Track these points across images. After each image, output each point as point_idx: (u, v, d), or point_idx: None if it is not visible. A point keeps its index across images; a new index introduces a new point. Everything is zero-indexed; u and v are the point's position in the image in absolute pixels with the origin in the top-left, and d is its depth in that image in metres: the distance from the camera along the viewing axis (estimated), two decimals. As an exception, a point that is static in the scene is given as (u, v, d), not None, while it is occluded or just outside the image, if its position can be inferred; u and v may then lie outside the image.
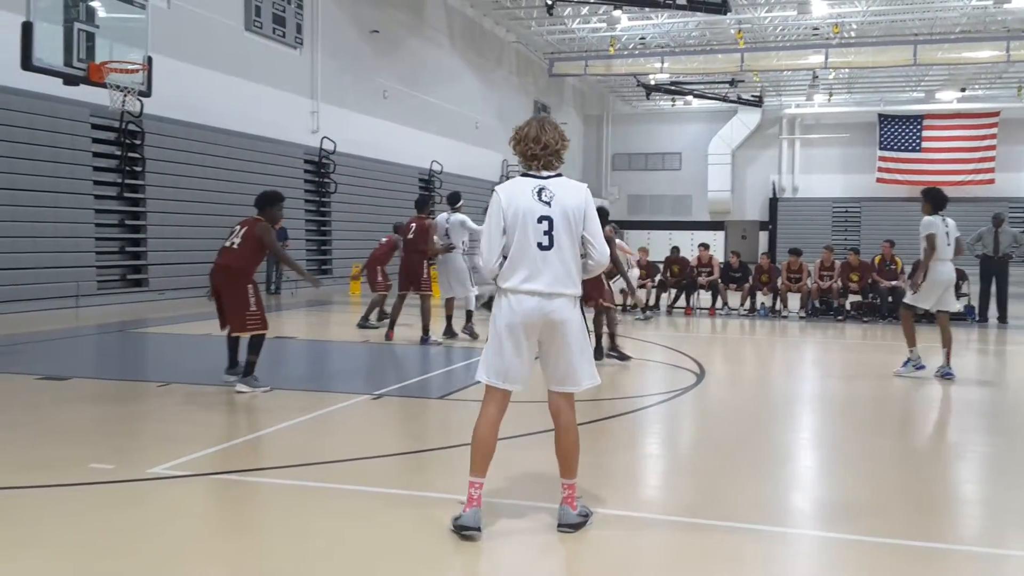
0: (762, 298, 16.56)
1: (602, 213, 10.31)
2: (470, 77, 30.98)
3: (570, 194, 4.07)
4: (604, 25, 30.37)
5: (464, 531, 3.95)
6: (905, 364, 9.12)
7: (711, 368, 9.65)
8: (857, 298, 15.95)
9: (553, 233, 3.99)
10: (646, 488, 5.35)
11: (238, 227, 7.74)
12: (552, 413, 4.22)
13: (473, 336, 11.50)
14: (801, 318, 15.78)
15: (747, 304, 16.41)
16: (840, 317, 15.61)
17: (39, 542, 3.90)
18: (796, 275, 16.20)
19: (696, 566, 3.87)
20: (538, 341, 4.13)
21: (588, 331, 4.23)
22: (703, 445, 6.41)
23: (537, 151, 4.10)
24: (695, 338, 13.01)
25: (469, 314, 11.88)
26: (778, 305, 16.24)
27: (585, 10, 29.40)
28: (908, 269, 12.86)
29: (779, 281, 16.22)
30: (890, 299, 15.15)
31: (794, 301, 16.28)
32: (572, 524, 4.11)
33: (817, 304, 15.98)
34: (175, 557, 3.79)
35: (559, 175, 4.15)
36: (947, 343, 8.98)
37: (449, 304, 11.76)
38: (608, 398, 8.02)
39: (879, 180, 40.21)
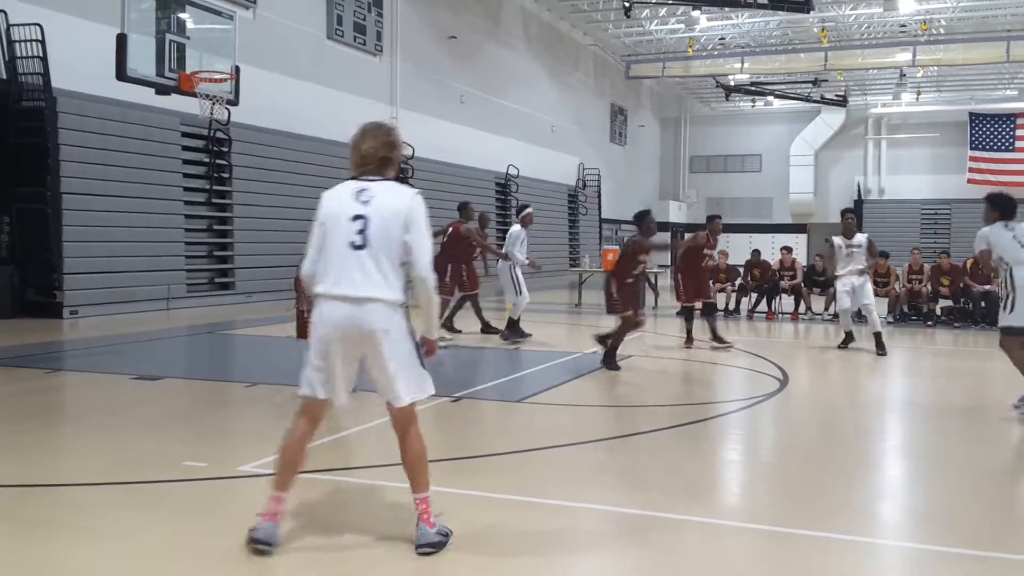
0: (847, 303, 16.11)
1: (639, 216, 10.26)
2: (546, 81, 31.01)
3: (392, 196, 3.80)
4: (682, 26, 30.07)
5: (256, 545, 3.79)
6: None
7: (794, 374, 9.44)
8: (948, 303, 15.41)
9: (368, 232, 3.72)
10: (730, 495, 5.26)
11: None
12: (392, 419, 3.95)
13: (523, 336, 11.61)
14: (889, 323, 15.31)
15: (832, 309, 15.99)
16: (930, 323, 15.10)
17: (140, 536, 4.04)
18: (884, 279, 15.74)
19: (784, 574, 3.79)
20: (354, 349, 3.81)
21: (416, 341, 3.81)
22: (788, 452, 6.28)
23: (357, 159, 3.89)
24: (777, 343, 12.75)
25: (511, 321, 11.76)
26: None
27: (663, 11, 29.14)
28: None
29: (865, 285, 15.75)
30: (983, 304, 14.59)
31: (881, 306, 15.78)
32: (431, 543, 3.81)
33: (906, 309, 15.50)
34: (269, 554, 3.88)
35: (387, 180, 3.90)
36: None
37: (473, 300, 12.07)
38: (690, 403, 7.92)
39: (970, 181, 38.71)
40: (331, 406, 3.95)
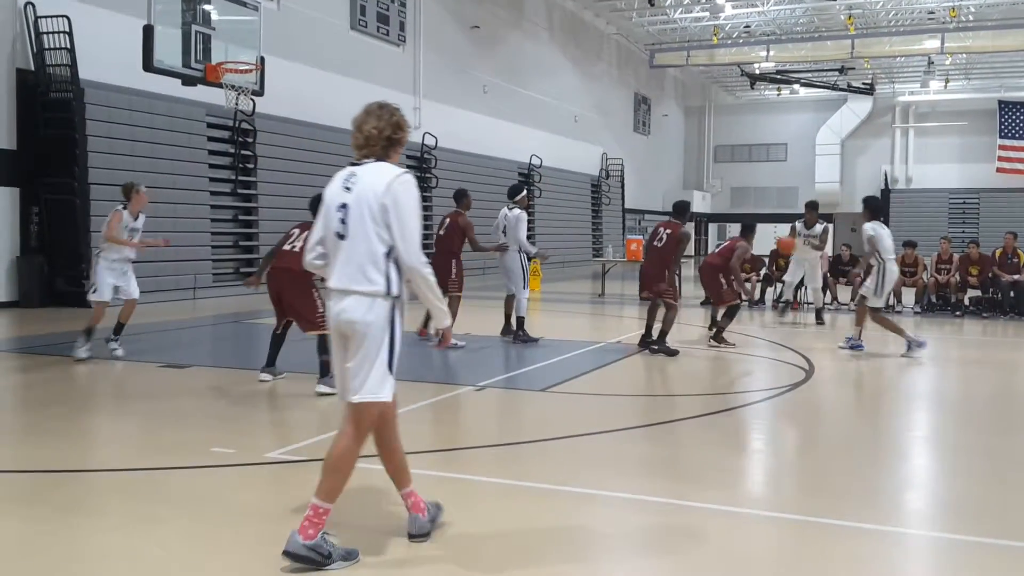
0: (874, 292, 15.98)
1: (682, 207, 10.25)
2: (569, 70, 30.91)
3: (372, 180, 3.58)
4: (707, 14, 29.84)
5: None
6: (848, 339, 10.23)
7: (820, 364, 9.38)
8: (977, 293, 15.22)
9: (348, 222, 3.57)
10: (755, 484, 5.24)
11: (296, 230, 7.70)
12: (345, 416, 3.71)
13: (532, 340, 10.47)
14: (916, 313, 15.16)
15: (857, 298, 15.86)
16: (958, 313, 14.93)
17: (168, 521, 4.09)
18: (911, 268, 15.57)
19: (814, 565, 3.77)
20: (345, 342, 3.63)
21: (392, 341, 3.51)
22: (813, 442, 6.24)
23: (360, 140, 3.71)
24: (803, 333, 12.66)
25: (519, 320, 10.46)
26: (891, 300, 15.64)
27: (687, -1, 28.96)
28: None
29: (892, 275, 15.62)
30: (1012, 294, 14.41)
31: (909, 296, 15.66)
32: (421, 534, 3.81)
33: (934, 299, 15.33)
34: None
35: (378, 162, 3.68)
36: None
37: (508, 303, 10.66)
38: (715, 393, 7.89)
39: (999, 170, 38.18)
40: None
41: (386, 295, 3.54)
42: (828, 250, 13.89)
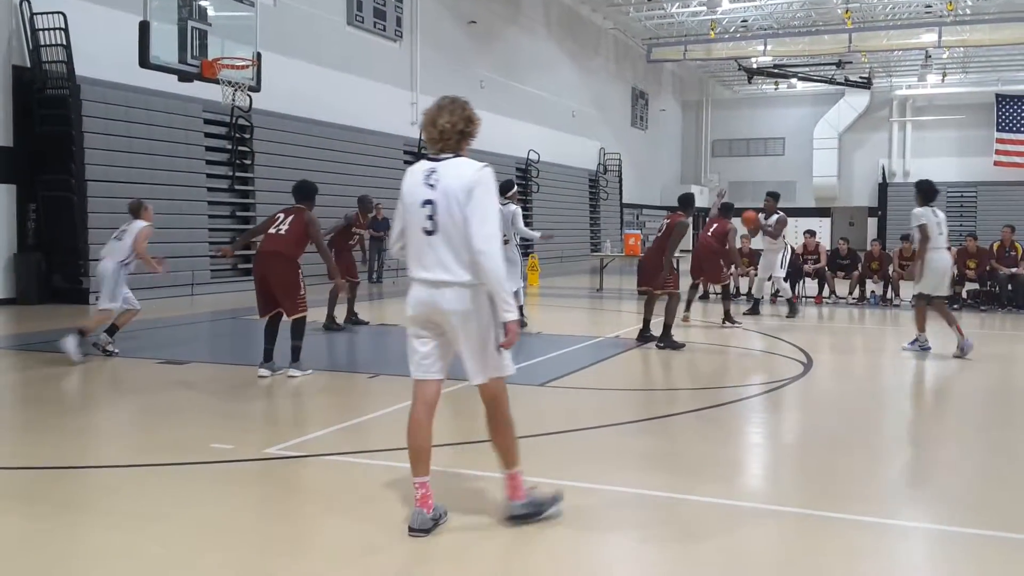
0: (872, 286, 16.00)
1: (687, 199, 10.38)
2: (567, 65, 30.87)
3: (455, 174, 3.76)
4: (704, 8, 29.78)
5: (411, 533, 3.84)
6: (912, 342, 9.82)
7: (819, 358, 9.38)
8: (975, 286, 15.23)
9: (436, 217, 3.74)
10: (754, 478, 5.24)
11: (282, 215, 7.99)
12: (482, 398, 3.97)
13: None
14: (913, 307, 15.16)
15: (856, 292, 15.89)
16: (956, 306, 14.92)
17: (167, 517, 4.09)
18: (909, 262, 15.56)
19: (810, 559, 3.77)
20: (439, 329, 3.86)
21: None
22: (812, 435, 6.24)
23: (435, 135, 3.86)
24: (801, 327, 12.67)
25: (520, 308, 10.83)
26: (889, 293, 15.66)
27: (684, -6, 28.91)
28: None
29: (891, 269, 15.64)
30: (1009, 287, 14.42)
31: (907, 289, 15.65)
32: (515, 516, 3.95)
33: (931, 292, 15.32)
34: (299, 533, 3.92)
35: (457, 156, 3.86)
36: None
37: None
38: (713, 387, 7.90)
39: (996, 163, 38.21)
40: (437, 386, 3.95)
41: (480, 283, 3.73)
42: (783, 242, 13.68)
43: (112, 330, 8.84)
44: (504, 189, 10.81)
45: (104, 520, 4.10)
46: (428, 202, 3.75)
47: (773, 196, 13.96)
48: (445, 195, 3.73)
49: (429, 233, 3.75)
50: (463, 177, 3.73)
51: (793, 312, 13.49)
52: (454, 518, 4.00)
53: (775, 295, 14.60)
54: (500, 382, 3.91)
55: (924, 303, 9.76)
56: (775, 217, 13.55)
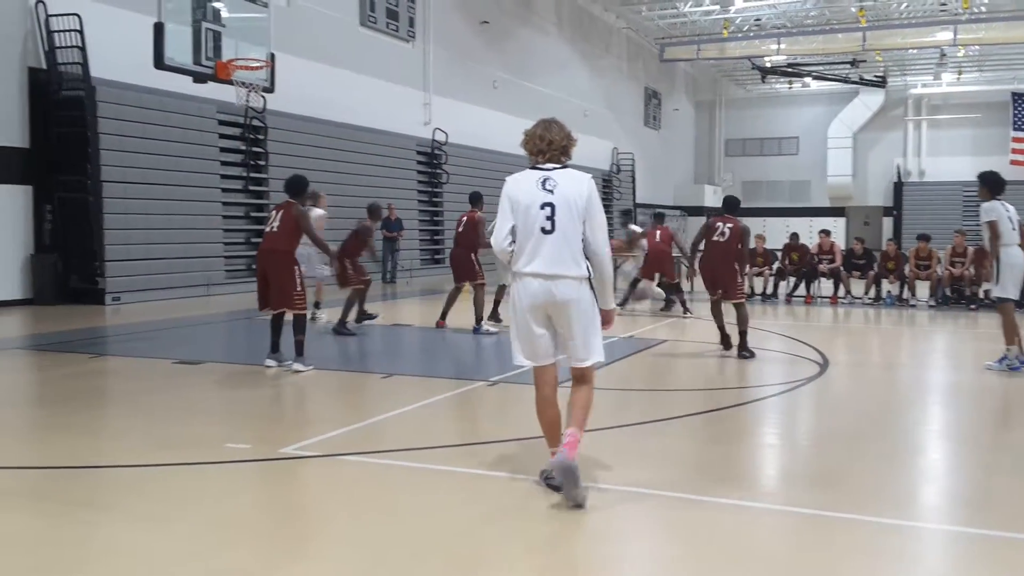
0: (888, 286, 15.91)
1: (735, 201, 10.16)
2: (579, 65, 30.83)
3: (573, 183, 4.37)
4: (717, 7, 29.67)
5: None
6: (1001, 360, 8.54)
7: (834, 358, 9.33)
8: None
9: (555, 218, 4.29)
10: (768, 478, 5.21)
11: (275, 211, 8.24)
12: (573, 377, 4.48)
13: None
14: (930, 307, 15.08)
15: (871, 292, 15.80)
16: (973, 306, 14.83)
17: (182, 517, 4.10)
18: (925, 262, 15.49)
19: (824, 557, 3.74)
20: (549, 318, 4.37)
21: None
22: (827, 436, 6.20)
23: (543, 147, 4.48)
24: (816, 327, 12.61)
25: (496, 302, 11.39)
26: (905, 293, 15.58)
27: (698, -7, 28.80)
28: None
29: (906, 268, 15.55)
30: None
31: (923, 289, 15.57)
32: (562, 468, 4.15)
33: (948, 292, 15.24)
34: (314, 533, 3.92)
35: (565, 167, 4.45)
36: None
37: (500, 291, 11.26)
38: (728, 388, 7.86)
39: (1013, 163, 37.82)
40: (555, 368, 4.46)
41: (587, 277, 4.33)
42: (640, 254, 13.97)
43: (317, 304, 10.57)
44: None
45: (116, 519, 4.10)
46: (547, 205, 4.30)
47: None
48: (565, 200, 4.31)
49: (547, 232, 4.29)
50: (580, 184, 4.37)
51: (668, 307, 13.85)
52: (463, 518, 3.99)
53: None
54: (596, 366, 4.49)
55: (1011, 307, 8.57)
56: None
